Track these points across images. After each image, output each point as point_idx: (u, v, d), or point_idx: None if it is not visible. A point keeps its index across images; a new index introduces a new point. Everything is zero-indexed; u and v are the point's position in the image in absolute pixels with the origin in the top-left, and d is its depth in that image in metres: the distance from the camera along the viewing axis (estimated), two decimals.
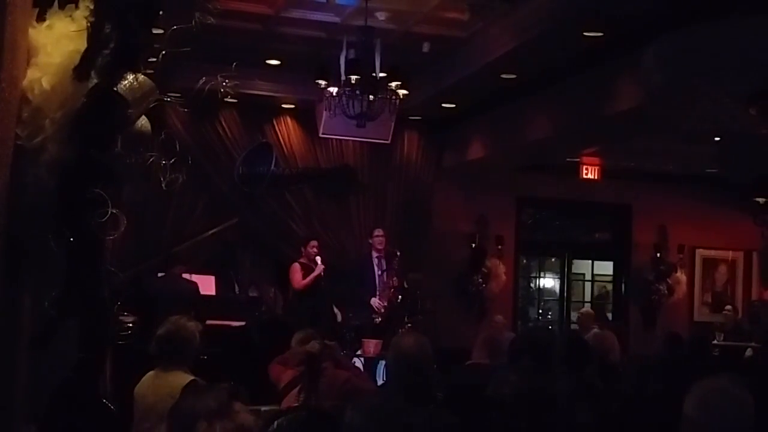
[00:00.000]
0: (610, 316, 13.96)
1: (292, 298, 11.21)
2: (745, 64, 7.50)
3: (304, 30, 9.72)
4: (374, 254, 11.18)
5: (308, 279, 10.89)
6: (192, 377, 4.64)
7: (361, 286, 11.10)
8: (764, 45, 7.17)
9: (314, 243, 11.15)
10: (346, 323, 10.78)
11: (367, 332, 10.20)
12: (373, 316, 10.80)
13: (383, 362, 9.49)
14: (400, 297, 10.88)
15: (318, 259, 10.99)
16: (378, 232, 11.30)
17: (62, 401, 2.76)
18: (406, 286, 11.02)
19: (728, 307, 13.61)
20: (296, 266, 11.04)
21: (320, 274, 10.92)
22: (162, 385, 4.65)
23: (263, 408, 5.36)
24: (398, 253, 11.09)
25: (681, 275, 14.20)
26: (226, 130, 11.99)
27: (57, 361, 2.77)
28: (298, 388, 5.38)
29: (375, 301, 10.88)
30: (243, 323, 10.34)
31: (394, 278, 10.99)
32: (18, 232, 2.66)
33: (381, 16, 9.11)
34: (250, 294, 11.70)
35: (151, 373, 4.83)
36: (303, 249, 11.14)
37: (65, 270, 2.63)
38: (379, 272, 11.07)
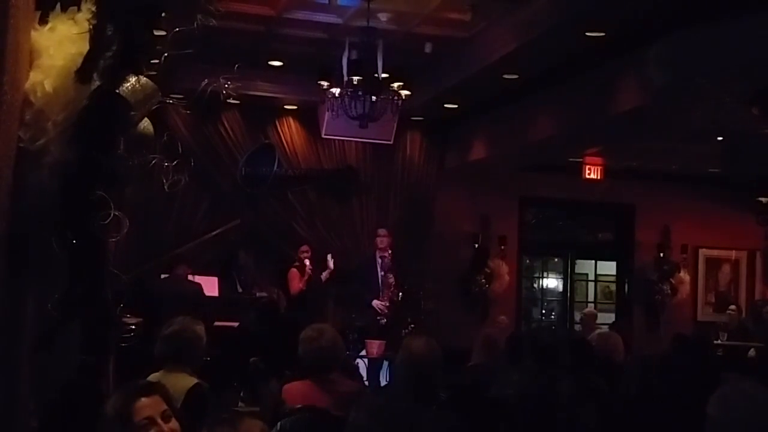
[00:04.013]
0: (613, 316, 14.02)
1: (293, 301, 11.26)
2: (747, 64, 7.50)
3: (307, 31, 9.72)
4: (378, 254, 11.20)
5: (302, 283, 11.17)
6: (196, 380, 4.61)
7: (364, 288, 11.12)
8: (766, 44, 7.16)
9: (304, 248, 11.37)
10: (350, 324, 10.79)
11: (371, 333, 10.21)
12: (378, 317, 10.80)
13: (386, 363, 9.57)
14: (400, 294, 10.87)
15: (307, 262, 11.17)
16: (381, 232, 11.33)
17: (65, 403, 2.76)
18: (404, 285, 11.05)
19: (732, 306, 13.59)
20: (293, 272, 11.26)
21: (309, 275, 11.11)
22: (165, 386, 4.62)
23: None
24: (390, 251, 11.11)
25: (684, 275, 14.18)
26: (229, 131, 11.99)
27: (60, 363, 2.77)
28: None
29: (377, 303, 10.87)
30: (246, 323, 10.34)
31: (390, 275, 10.98)
32: (21, 234, 2.66)
33: (383, 17, 9.11)
34: (257, 295, 11.70)
35: (156, 374, 4.79)
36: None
37: (68, 272, 2.63)
38: (382, 273, 11.09)
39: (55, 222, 2.61)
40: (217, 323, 9.33)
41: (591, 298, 15.19)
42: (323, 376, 4.82)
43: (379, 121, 9.11)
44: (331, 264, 11.41)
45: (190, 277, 10.30)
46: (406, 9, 9.06)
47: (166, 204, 11.11)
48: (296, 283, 11.15)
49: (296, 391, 4.88)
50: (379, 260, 11.15)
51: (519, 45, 8.80)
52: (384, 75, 8.64)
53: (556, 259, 15.49)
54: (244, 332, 9.44)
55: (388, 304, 10.86)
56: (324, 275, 11.41)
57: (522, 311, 14.38)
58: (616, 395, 5.60)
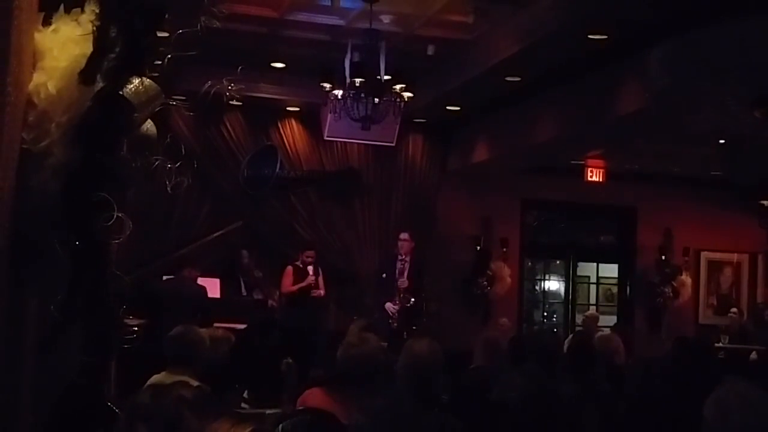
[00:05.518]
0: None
1: (285, 302, 11.13)
2: (750, 67, 7.50)
3: (309, 33, 9.73)
4: (398, 258, 11.09)
5: (295, 287, 10.85)
6: (197, 383, 4.62)
7: (380, 290, 11.06)
8: None
9: (310, 253, 11.01)
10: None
11: (380, 336, 10.14)
12: (390, 320, 10.72)
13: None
14: (412, 300, 10.77)
15: (310, 269, 10.89)
16: (404, 236, 11.12)
17: (68, 406, 2.76)
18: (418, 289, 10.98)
19: (733, 309, 13.58)
20: (289, 270, 10.96)
21: (309, 284, 10.85)
22: None
23: (268, 411, 5.35)
24: (403, 255, 11.06)
25: (686, 278, 14.18)
26: (231, 133, 12.00)
27: (62, 366, 2.77)
28: None
29: (389, 306, 10.80)
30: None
31: (404, 279, 10.91)
32: (23, 235, 2.66)
33: (386, 19, 9.12)
34: (255, 297, 11.70)
35: (158, 375, 4.81)
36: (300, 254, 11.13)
37: (70, 274, 2.63)
38: (398, 276, 10.95)
39: (57, 223, 2.61)
40: (218, 325, 9.33)
41: (593, 300, 15.18)
42: (350, 388, 4.63)
43: (382, 123, 9.11)
44: (321, 289, 11.12)
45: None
46: (408, 11, 9.07)
47: (169, 206, 11.11)
48: (288, 283, 10.89)
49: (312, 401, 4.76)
50: (399, 264, 11.06)
51: (521, 48, 8.81)
52: (386, 77, 8.63)
53: (557, 262, 15.49)
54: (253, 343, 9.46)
55: (398, 308, 10.77)
56: (315, 292, 11.05)
57: (524, 313, 14.38)
58: (618, 397, 5.60)
